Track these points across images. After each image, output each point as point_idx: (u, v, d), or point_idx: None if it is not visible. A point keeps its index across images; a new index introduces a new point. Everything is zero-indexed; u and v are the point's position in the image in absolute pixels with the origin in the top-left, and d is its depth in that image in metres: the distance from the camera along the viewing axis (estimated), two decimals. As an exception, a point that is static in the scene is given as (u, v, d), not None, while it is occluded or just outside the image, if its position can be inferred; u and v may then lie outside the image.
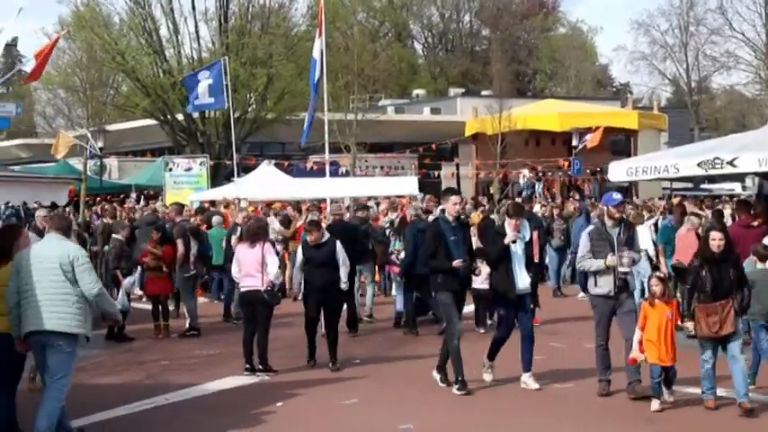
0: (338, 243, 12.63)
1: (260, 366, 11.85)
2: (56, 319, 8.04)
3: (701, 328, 9.48)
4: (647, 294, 10.48)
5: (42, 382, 8.35)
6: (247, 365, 11.83)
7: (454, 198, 10.90)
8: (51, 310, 8.04)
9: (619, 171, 15.21)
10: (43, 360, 8.17)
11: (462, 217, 11.41)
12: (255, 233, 12.20)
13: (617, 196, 10.51)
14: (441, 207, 14.01)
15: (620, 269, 10.03)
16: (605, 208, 10.66)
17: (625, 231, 10.33)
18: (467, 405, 10.07)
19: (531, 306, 11.12)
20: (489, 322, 14.70)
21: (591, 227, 10.76)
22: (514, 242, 10.56)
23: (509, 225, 10.65)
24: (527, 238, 10.75)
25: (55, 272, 8.12)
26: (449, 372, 10.78)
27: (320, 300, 12.49)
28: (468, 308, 13.45)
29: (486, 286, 12.58)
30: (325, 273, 12.45)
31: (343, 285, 12.62)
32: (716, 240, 9.57)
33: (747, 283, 9.78)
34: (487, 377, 10.99)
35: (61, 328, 8.06)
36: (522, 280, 10.63)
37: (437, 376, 10.91)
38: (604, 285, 10.17)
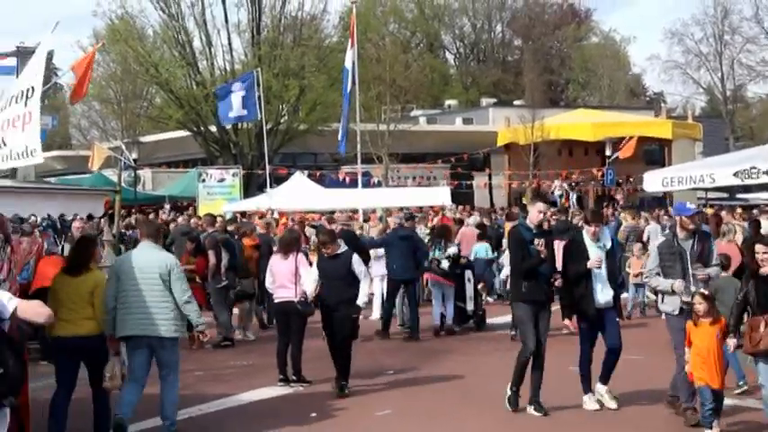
0: (355, 256, 11.64)
1: (294, 377, 11.85)
2: (164, 326, 8.95)
3: (750, 345, 8.62)
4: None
5: (129, 379, 9.12)
6: (281, 376, 11.84)
7: (540, 206, 10.38)
8: (160, 317, 8.93)
9: (654, 181, 15.18)
10: (147, 359, 9.05)
11: (545, 225, 10.99)
12: (288, 244, 12.22)
13: (691, 206, 9.90)
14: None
15: (684, 298, 9.28)
16: (678, 219, 9.77)
17: (699, 244, 9.51)
18: (503, 416, 9.99)
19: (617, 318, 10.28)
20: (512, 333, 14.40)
21: (661, 239, 10.05)
22: (599, 268, 9.89)
23: (588, 233, 10.07)
24: (608, 247, 10.09)
25: (155, 280, 8.94)
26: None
27: (331, 318, 11.55)
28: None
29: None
30: (337, 288, 11.41)
31: (361, 302, 11.58)
32: (760, 254, 8.65)
33: None
34: (591, 405, 10.13)
35: (169, 333, 9.00)
36: (604, 294, 9.97)
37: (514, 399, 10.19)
38: (669, 304, 9.56)
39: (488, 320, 16.84)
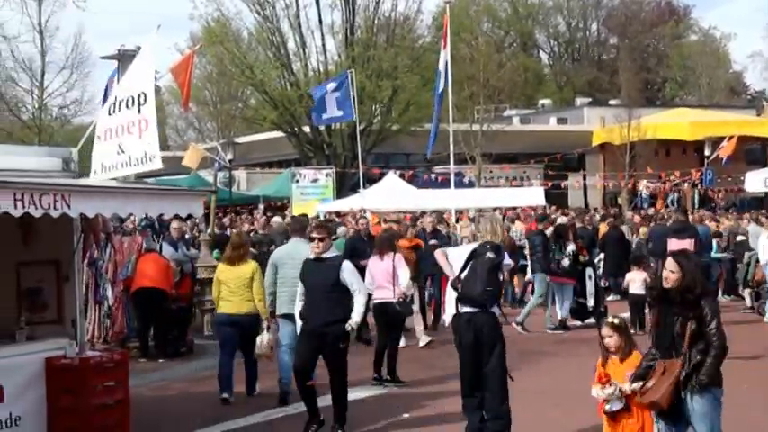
0: (347, 263, 9.50)
1: (388, 377, 11.85)
2: None
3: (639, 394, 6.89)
4: None
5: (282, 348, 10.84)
6: (376, 376, 11.87)
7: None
8: None
9: (756, 181, 14.73)
10: (294, 331, 10.06)
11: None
12: (383, 245, 12.27)
13: None
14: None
15: None
16: None
17: None
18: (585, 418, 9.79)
19: None
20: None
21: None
22: None
23: None
24: None
25: None
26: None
27: (314, 344, 9.33)
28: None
29: (642, 291, 14.57)
30: (321, 303, 9.27)
31: (352, 322, 9.26)
32: (666, 271, 6.80)
33: None
34: None
35: None
36: None
37: None
38: None
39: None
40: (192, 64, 12.29)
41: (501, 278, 9.20)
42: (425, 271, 15.64)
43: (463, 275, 8.61)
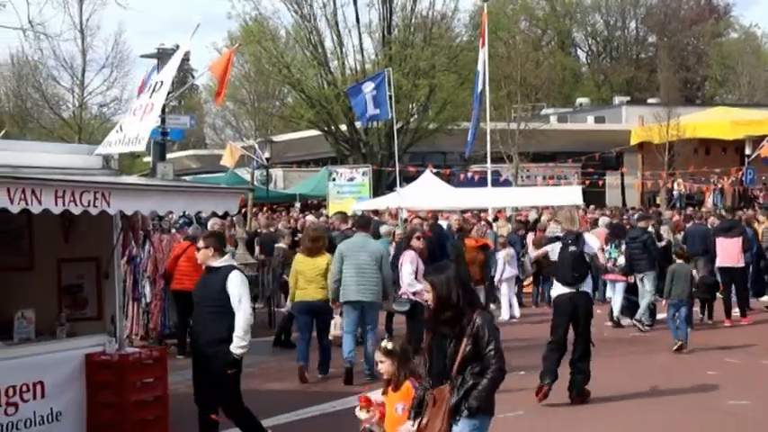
0: (235, 273, 8.29)
1: None
2: (373, 294, 11.98)
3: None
4: None
5: (345, 332, 12.18)
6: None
7: None
8: (371, 288, 11.93)
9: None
10: (358, 318, 12.11)
11: None
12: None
13: None
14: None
15: None
16: None
17: None
18: (637, 419, 9.73)
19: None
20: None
21: None
22: None
23: None
24: None
25: (372, 261, 11.92)
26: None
27: (202, 368, 8.44)
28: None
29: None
30: (205, 319, 8.36)
31: (234, 348, 8.08)
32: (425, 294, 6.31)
33: None
34: None
35: (376, 299, 12.10)
36: None
37: None
38: None
39: (659, 316, 16.77)
40: (231, 62, 12.40)
41: (588, 261, 10.80)
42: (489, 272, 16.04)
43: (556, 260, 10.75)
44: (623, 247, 16.63)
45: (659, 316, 16.43)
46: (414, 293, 11.95)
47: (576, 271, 10.49)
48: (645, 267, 16.41)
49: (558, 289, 10.77)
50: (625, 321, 16.71)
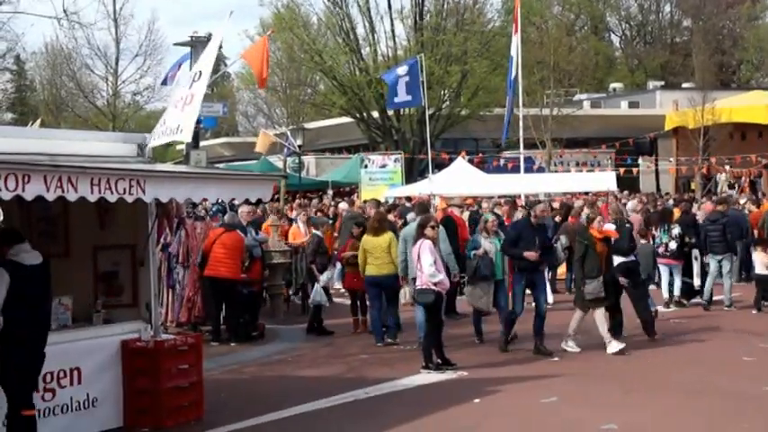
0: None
1: (438, 361, 11.76)
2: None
3: None
4: None
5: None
6: (438, 360, 11.77)
7: None
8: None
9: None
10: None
11: None
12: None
13: None
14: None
15: None
16: None
17: None
18: (672, 406, 9.67)
19: None
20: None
21: None
22: None
23: None
24: None
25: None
26: None
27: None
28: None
29: (766, 272, 16.20)
30: (34, 329, 7.60)
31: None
32: None
33: None
34: None
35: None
36: None
37: None
38: None
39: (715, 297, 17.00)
40: (266, 48, 12.47)
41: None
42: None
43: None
44: (675, 230, 16.94)
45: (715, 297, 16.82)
46: (435, 284, 11.69)
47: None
48: (723, 249, 16.79)
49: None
50: (686, 302, 17.24)
